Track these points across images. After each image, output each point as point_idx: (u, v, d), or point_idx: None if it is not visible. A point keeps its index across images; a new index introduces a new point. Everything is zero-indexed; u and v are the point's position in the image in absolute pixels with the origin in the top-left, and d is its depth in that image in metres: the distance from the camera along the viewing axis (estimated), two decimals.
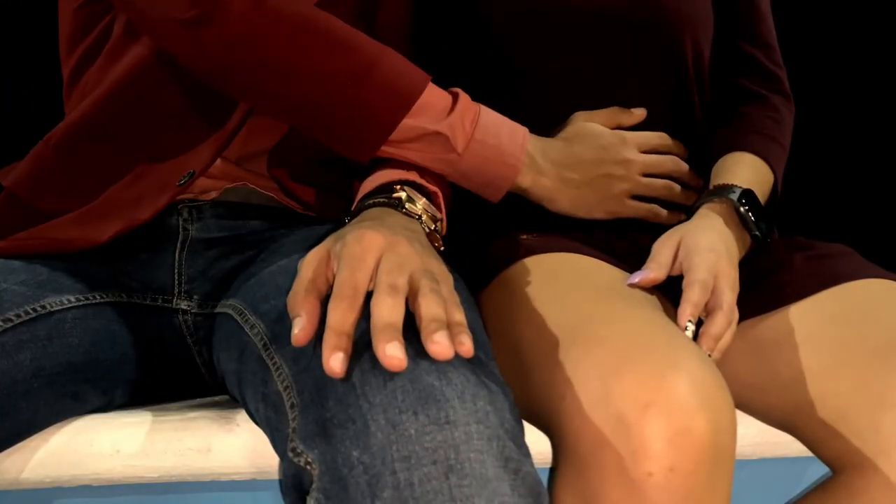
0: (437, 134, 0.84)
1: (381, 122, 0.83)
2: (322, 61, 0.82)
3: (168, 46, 0.86)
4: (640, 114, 1.00)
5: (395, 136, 0.83)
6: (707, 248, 0.86)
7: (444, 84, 0.88)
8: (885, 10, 1.78)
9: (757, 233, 0.94)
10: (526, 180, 0.91)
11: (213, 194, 0.92)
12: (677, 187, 1.00)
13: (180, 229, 0.91)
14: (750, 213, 0.94)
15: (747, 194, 0.94)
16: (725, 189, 0.95)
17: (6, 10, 1.62)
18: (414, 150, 0.85)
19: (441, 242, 0.80)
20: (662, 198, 0.99)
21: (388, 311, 0.58)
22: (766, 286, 0.91)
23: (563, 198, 0.93)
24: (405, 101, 0.83)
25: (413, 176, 0.83)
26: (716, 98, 1.09)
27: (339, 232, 0.67)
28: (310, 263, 0.64)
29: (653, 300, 0.84)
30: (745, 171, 0.99)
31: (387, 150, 0.85)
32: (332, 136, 0.86)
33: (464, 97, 0.87)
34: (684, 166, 1.01)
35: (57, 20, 1.00)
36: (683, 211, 1.00)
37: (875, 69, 1.80)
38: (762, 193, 0.98)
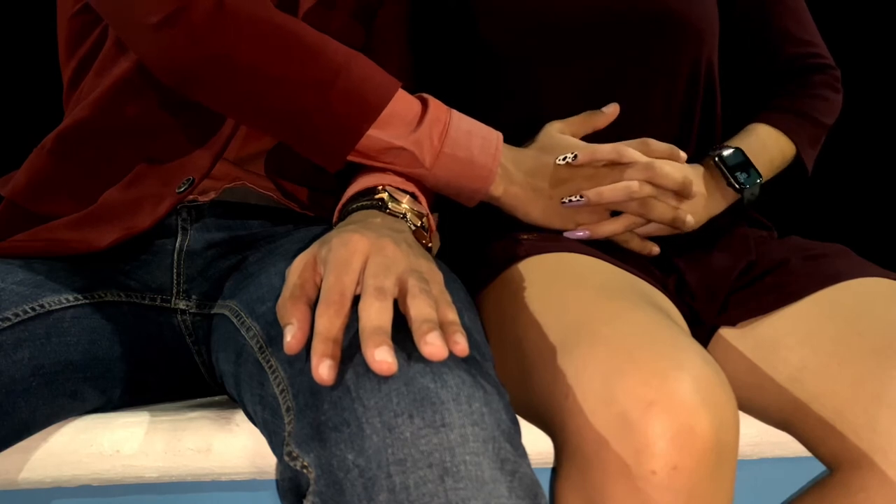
0: (403, 150, 0.82)
1: (347, 131, 0.81)
2: (286, 66, 0.80)
3: (138, 51, 0.85)
4: (612, 111, 0.97)
5: (361, 147, 0.82)
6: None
7: (440, 83, 0.86)
8: (884, 10, 1.77)
9: (732, 181, 0.95)
10: (498, 190, 0.89)
11: (213, 195, 0.92)
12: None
13: (179, 229, 0.91)
14: (723, 165, 0.96)
15: (729, 149, 0.97)
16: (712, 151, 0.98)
17: (6, 13, 1.62)
18: (382, 162, 0.84)
19: (429, 239, 0.80)
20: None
21: (375, 315, 0.58)
22: (764, 286, 0.91)
23: (534, 208, 0.91)
24: (371, 110, 0.81)
25: (389, 178, 0.82)
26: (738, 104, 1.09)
27: (325, 237, 0.67)
28: (296, 269, 0.64)
29: (654, 300, 0.83)
30: (743, 137, 1.01)
31: (355, 159, 0.84)
32: (300, 144, 0.85)
33: (434, 105, 0.85)
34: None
35: (55, 28, 1.00)
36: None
37: (874, 69, 1.79)
38: (764, 155, 0.99)
